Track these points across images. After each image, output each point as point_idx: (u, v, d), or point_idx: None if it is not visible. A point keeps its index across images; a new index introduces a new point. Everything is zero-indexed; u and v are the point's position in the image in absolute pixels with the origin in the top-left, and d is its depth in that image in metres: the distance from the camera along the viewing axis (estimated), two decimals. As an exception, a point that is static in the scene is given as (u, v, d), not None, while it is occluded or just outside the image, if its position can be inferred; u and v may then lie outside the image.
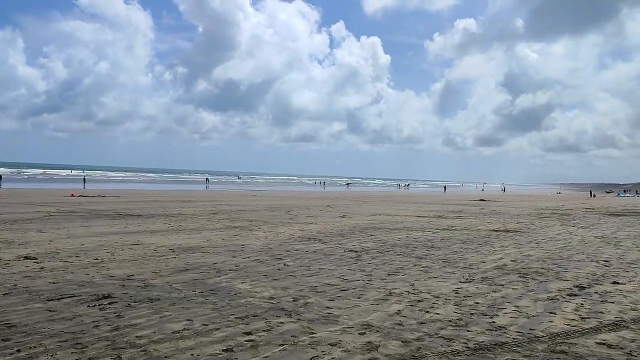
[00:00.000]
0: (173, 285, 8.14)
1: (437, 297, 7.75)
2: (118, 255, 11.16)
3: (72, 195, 37.06)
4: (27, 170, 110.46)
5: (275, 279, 8.86)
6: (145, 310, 6.61)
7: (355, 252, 12.40)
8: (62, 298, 7.10)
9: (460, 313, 6.83)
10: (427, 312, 6.86)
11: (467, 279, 9.25)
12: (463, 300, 7.59)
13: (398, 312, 6.80)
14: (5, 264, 9.75)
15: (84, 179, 75.22)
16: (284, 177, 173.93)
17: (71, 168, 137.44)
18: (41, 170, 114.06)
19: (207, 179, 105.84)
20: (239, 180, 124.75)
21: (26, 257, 10.49)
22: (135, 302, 7.00)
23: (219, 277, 8.97)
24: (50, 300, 6.98)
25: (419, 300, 7.49)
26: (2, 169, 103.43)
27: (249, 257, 11.23)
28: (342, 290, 8.07)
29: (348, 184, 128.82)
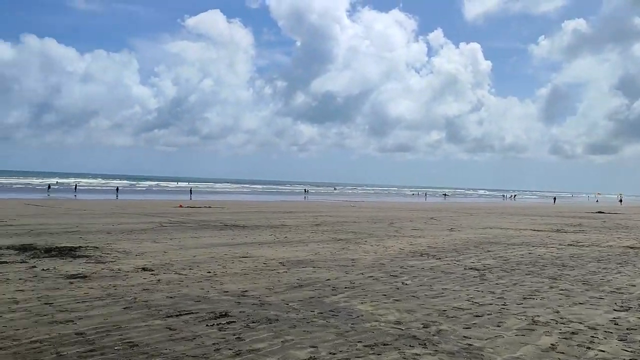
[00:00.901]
0: (289, 304, 7.67)
1: (593, 328, 6.61)
2: (229, 268, 10.98)
3: (180, 206, 38.61)
4: (141, 183, 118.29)
5: (396, 300, 8.12)
6: (265, 332, 6.15)
7: (477, 270, 11.35)
8: (181, 315, 6.85)
9: (631, 351, 5.69)
10: (589, 348, 5.79)
11: (622, 306, 7.94)
12: (628, 334, 6.39)
13: (552, 347, 5.79)
14: (125, 275, 9.85)
15: (190, 190, 78.96)
16: (381, 188, 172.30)
17: (178, 180, 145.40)
18: (154, 183, 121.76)
19: (305, 189, 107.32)
20: (335, 191, 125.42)
21: (143, 269, 10.58)
22: (253, 322, 6.57)
23: (336, 295, 8.39)
24: (169, 316, 6.75)
25: (572, 332, 6.40)
26: (121, 181, 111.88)
27: (362, 274, 10.59)
28: (476, 316, 7.16)
29: (445, 194, 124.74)
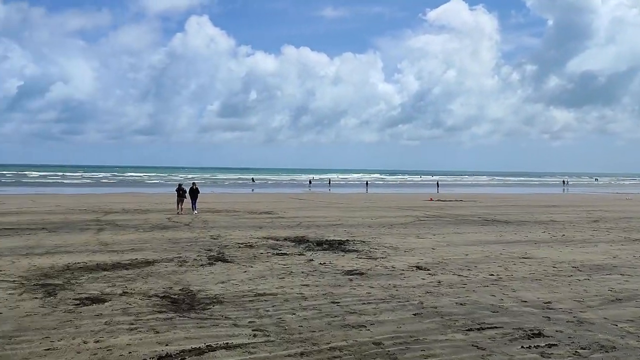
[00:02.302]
0: (618, 325, 5.97)
1: None
2: (513, 270, 9.57)
3: (431, 200, 37.94)
4: (388, 177, 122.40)
5: None
6: (606, 365, 4.67)
7: None
8: (482, 329, 5.78)
9: None
10: None
11: None
12: None
13: None
14: (400, 273, 9.26)
15: (437, 183, 78.20)
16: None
17: (421, 174, 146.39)
18: (400, 176, 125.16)
19: (564, 181, 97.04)
20: (597, 182, 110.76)
21: (417, 267, 9.87)
22: (582, 348, 5.13)
23: (680, 317, 6.34)
24: (469, 330, 5.74)
25: None
26: (373, 175, 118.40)
27: (699, 287, 8.09)
28: None
29: None
